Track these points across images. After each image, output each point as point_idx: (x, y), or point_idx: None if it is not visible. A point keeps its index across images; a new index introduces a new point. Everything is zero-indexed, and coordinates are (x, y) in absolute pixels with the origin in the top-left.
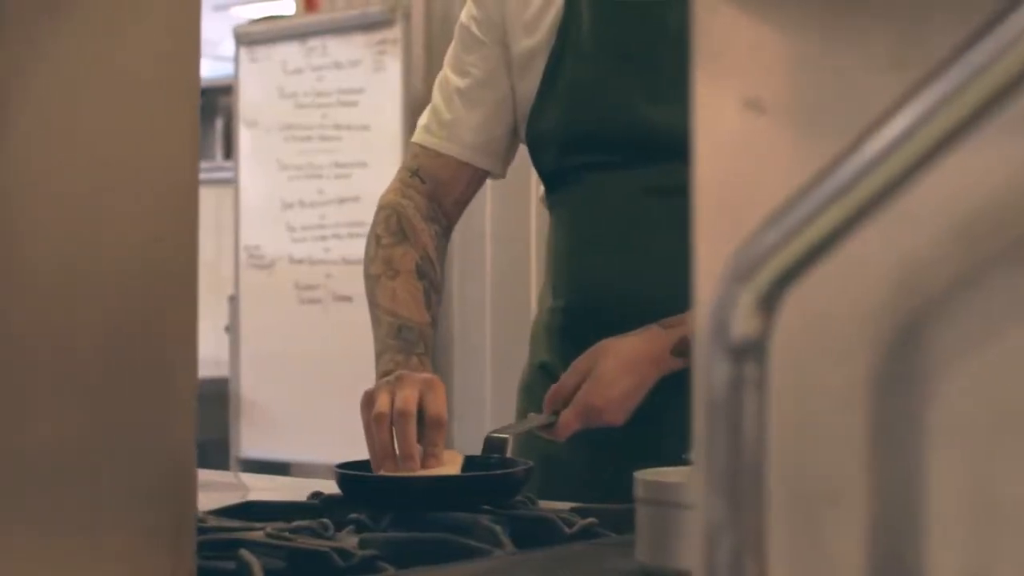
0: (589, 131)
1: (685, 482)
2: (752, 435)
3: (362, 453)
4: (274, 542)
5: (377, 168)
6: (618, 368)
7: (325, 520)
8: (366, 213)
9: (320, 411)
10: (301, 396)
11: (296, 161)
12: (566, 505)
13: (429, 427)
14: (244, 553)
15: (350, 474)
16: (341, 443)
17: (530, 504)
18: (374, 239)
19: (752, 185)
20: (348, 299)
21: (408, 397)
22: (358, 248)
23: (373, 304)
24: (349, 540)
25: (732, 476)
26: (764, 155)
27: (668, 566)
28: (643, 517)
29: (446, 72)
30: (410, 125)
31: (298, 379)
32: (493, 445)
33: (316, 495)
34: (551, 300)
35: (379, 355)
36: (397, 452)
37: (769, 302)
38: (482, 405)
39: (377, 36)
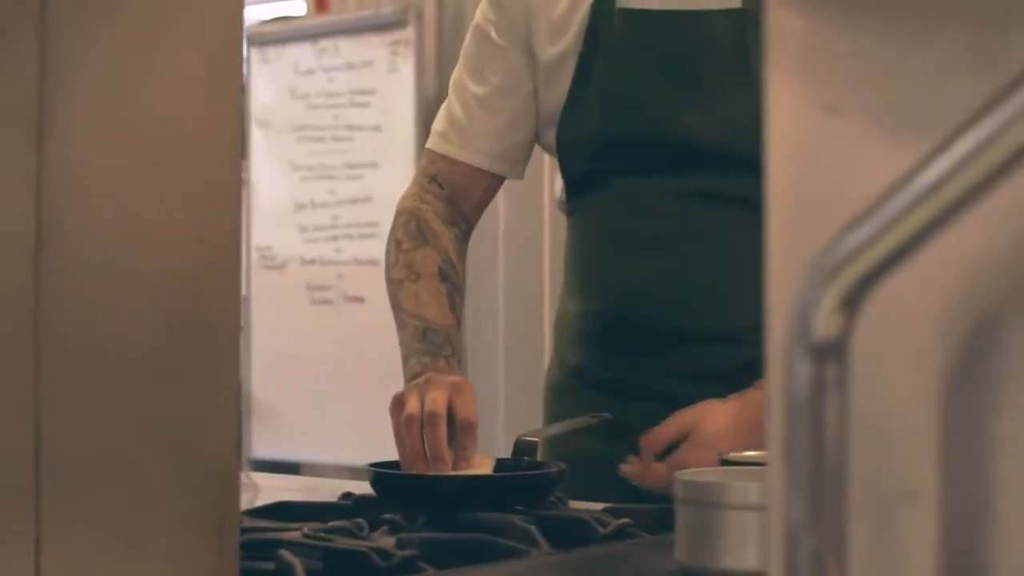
0: (625, 137)
1: (725, 482)
2: (833, 435)
3: (373, 454)
4: (312, 542)
5: (389, 169)
6: (721, 433)
7: (360, 520)
8: (378, 213)
9: (331, 412)
10: (312, 396)
11: (308, 162)
12: (598, 505)
13: (459, 430)
14: (284, 553)
15: (384, 473)
16: (352, 444)
17: (561, 504)
18: (394, 244)
19: (825, 188)
20: (360, 300)
21: (437, 399)
22: (370, 249)
23: (397, 308)
24: (385, 540)
25: (813, 476)
26: (838, 158)
27: (708, 566)
28: (683, 517)
29: (462, 75)
30: (423, 125)
31: (309, 379)
32: (523, 447)
33: (347, 495)
34: (576, 303)
35: (406, 359)
36: (428, 455)
37: (852, 302)
38: (495, 406)
39: (390, 37)
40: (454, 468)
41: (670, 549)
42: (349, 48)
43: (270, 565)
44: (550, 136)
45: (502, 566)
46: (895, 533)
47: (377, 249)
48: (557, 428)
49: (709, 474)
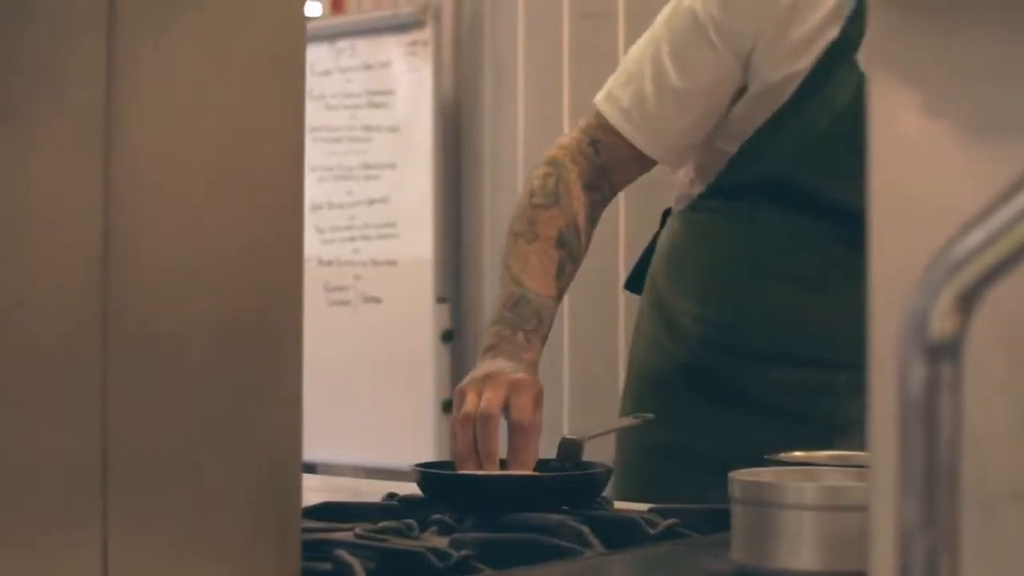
0: (807, 179)
1: (782, 482)
2: (947, 435)
3: (389, 455)
4: (367, 543)
5: (407, 169)
6: None
7: (410, 521)
8: (395, 214)
9: (348, 412)
10: (329, 397)
11: (325, 162)
12: (643, 506)
13: (511, 431)
14: (342, 554)
15: (432, 473)
16: (369, 444)
17: (606, 505)
18: (527, 194)
19: (929, 189)
20: (377, 300)
21: (493, 399)
22: (387, 249)
23: (504, 264)
24: (436, 541)
25: (927, 477)
26: (941, 159)
27: (765, 566)
28: (740, 517)
29: (664, 55)
30: (441, 125)
31: (326, 380)
32: (568, 447)
33: (391, 496)
34: (692, 303)
35: (490, 323)
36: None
37: (969, 302)
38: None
39: (407, 37)
40: (506, 468)
41: (723, 549)
42: (366, 49)
43: (326, 566)
44: (723, 137)
45: (559, 566)
46: (1000, 534)
47: (394, 250)
48: (600, 428)
49: (765, 474)
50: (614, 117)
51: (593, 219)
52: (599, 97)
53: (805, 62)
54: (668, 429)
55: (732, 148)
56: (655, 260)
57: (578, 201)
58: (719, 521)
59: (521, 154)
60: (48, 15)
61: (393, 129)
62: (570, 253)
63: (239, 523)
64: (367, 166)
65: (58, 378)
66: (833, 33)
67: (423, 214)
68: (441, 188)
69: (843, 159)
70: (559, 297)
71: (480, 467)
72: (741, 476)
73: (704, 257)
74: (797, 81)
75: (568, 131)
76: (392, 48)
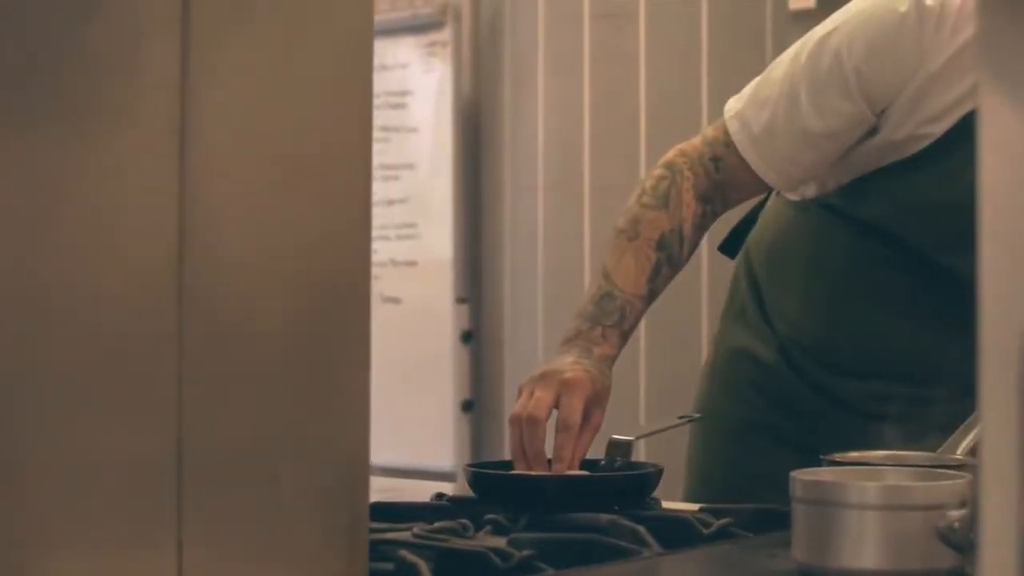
0: (915, 240)
1: (845, 482)
2: None
3: (408, 455)
4: (426, 542)
5: (426, 170)
6: None
7: (465, 521)
8: (414, 215)
9: None
10: None
11: None
12: (692, 506)
13: (556, 430)
14: (406, 554)
15: (483, 473)
16: (388, 444)
17: (655, 505)
18: (638, 191)
19: None
20: (396, 300)
21: (541, 400)
22: (406, 249)
23: (603, 257)
24: (492, 540)
25: None
26: None
27: (827, 565)
28: (801, 516)
29: (801, 91)
30: (461, 126)
31: None
32: (617, 447)
33: (439, 496)
34: (784, 306)
35: (574, 315)
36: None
37: None
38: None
39: (426, 38)
40: (550, 468)
41: (781, 548)
42: (384, 49)
43: (387, 566)
44: (838, 167)
45: (619, 566)
46: None
47: (414, 250)
48: (649, 429)
49: (826, 473)
50: (742, 142)
51: (701, 229)
52: (729, 114)
53: (937, 128)
54: (763, 405)
55: (844, 179)
56: (755, 238)
57: (688, 209)
58: (770, 521)
59: (541, 155)
60: (123, 15)
61: (412, 130)
62: (669, 257)
63: (310, 523)
64: (386, 167)
65: (135, 379)
66: (970, 105)
67: (443, 215)
68: (461, 189)
69: (953, 228)
70: (650, 297)
71: (528, 466)
72: (803, 476)
73: (808, 265)
74: (924, 143)
75: (587, 132)
76: (410, 49)
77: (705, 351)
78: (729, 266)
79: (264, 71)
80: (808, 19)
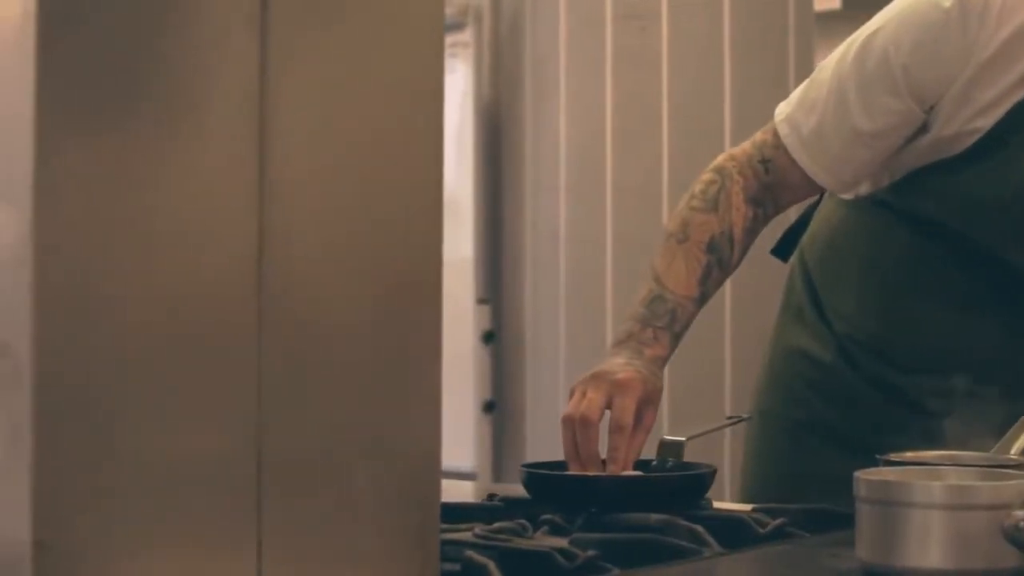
0: (968, 232)
1: (909, 481)
2: None
3: None
4: (489, 543)
5: (447, 170)
6: None
7: (523, 521)
8: None
9: None
10: None
11: None
12: (745, 506)
13: (610, 431)
14: (473, 554)
15: (538, 473)
16: None
17: (707, 505)
18: (688, 196)
19: None
20: None
21: (593, 401)
22: None
23: (653, 260)
24: (552, 540)
25: None
26: None
27: (892, 564)
28: (865, 516)
29: (849, 89)
30: (482, 127)
31: None
32: (669, 448)
33: (491, 496)
34: (841, 305)
35: (626, 318)
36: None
37: None
38: (555, 404)
39: (448, 39)
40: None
41: (838, 548)
42: None
43: (453, 566)
44: (891, 170)
45: (683, 565)
46: None
47: None
48: (700, 429)
49: (889, 473)
50: (792, 144)
51: (752, 232)
52: (779, 117)
53: (986, 122)
54: (820, 405)
55: (897, 176)
56: (810, 239)
57: (738, 212)
58: (824, 521)
59: (563, 155)
60: (203, 16)
61: None
62: (719, 259)
63: (384, 523)
64: None
65: (216, 378)
66: (1019, 95)
67: (464, 215)
68: (482, 189)
69: (1008, 223)
70: (701, 300)
71: (583, 467)
72: (867, 475)
73: (863, 262)
74: (974, 138)
75: (609, 132)
76: None
77: (728, 352)
78: (749, 268)
79: (339, 69)
80: (833, 20)
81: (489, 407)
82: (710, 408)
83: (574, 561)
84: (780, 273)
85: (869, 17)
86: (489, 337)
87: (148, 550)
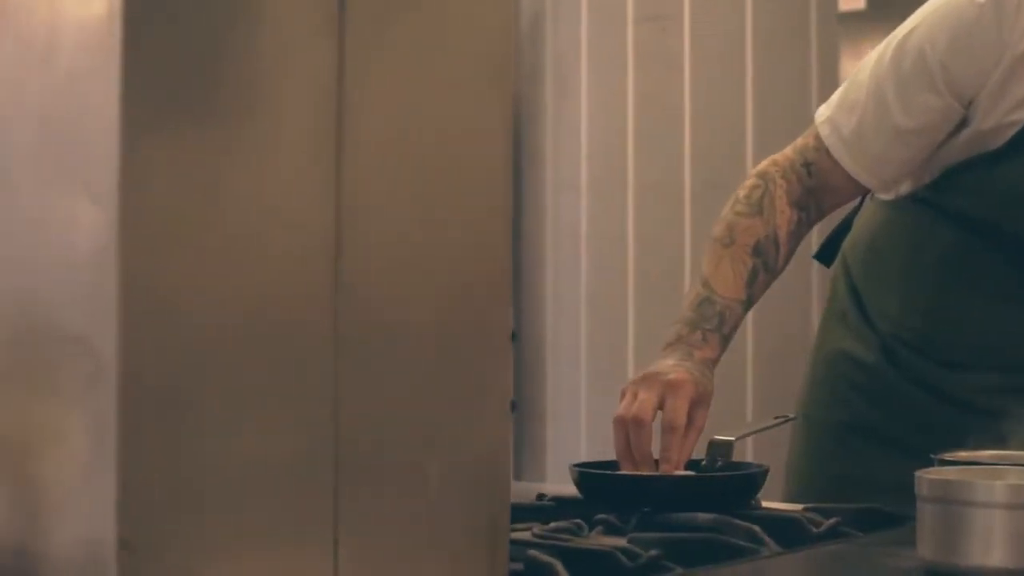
0: (1009, 226)
1: (972, 481)
2: None
3: None
4: (550, 542)
5: None
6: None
7: (579, 520)
8: None
9: None
10: None
11: None
12: (795, 505)
13: (663, 431)
14: (537, 554)
15: (591, 473)
16: None
17: (757, 504)
18: (732, 201)
19: None
20: None
21: (646, 401)
22: None
23: (701, 265)
24: (610, 540)
25: None
26: None
27: (956, 564)
28: (927, 515)
29: (887, 90)
30: None
31: None
32: (718, 448)
33: (541, 496)
34: (885, 304)
35: (675, 321)
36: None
37: None
38: (577, 404)
39: None
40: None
41: (894, 547)
42: None
43: (516, 565)
44: (931, 168)
45: (746, 564)
46: None
47: None
48: (748, 429)
49: (950, 472)
50: (834, 145)
51: (796, 236)
52: (820, 120)
53: (1016, 117)
54: (865, 407)
55: (938, 173)
56: (851, 242)
57: (782, 216)
58: (875, 521)
59: (584, 155)
60: (280, 18)
61: None
62: (765, 262)
63: (455, 521)
64: None
65: (294, 377)
66: None
67: None
68: None
69: None
70: (749, 302)
71: (635, 467)
72: (929, 474)
73: (906, 260)
74: (1013, 131)
75: (631, 131)
76: None
77: (751, 353)
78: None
79: (413, 69)
80: (857, 20)
81: (511, 407)
82: (731, 409)
83: (637, 561)
84: (800, 275)
85: (894, 17)
86: (511, 337)
87: (228, 549)
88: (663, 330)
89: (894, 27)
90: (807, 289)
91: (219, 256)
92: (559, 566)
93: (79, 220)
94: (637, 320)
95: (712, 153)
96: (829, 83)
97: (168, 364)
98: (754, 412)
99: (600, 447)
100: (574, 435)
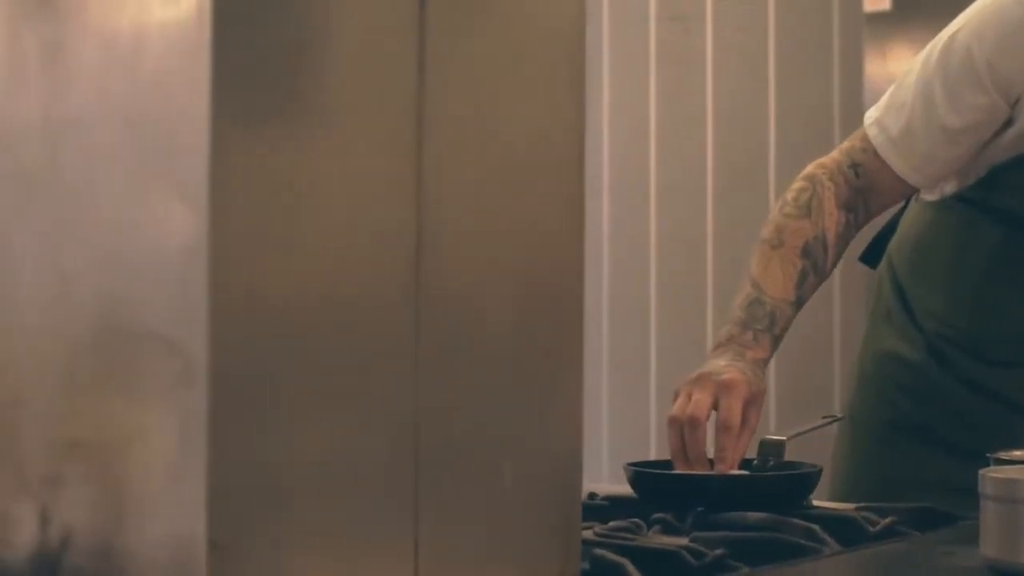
0: None
1: None
2: None
3: None
4: (614, 542)
5: None
6: None
7: (637, 520)
8: None
9: None
10: None
11: None
12: (848, 505)
13: (717, 431)
14: (605, 553)
15: (646, 472)
16: None
17: (809, 504)
18: (780, 204)
19: None
20: None
21: (700, 402)
22: None
23: (749, 266)
24: (670, 539)
25: None
26: None
27: (1020, 562)
28: (991, 514)
29: (936, 89)
30: None
31: None
32: (770, 448)
33: (593, 495)
34: (931, 304)
35: (726, 322)
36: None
37: None
38: (599, 404)
39: None
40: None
41: (953, 546)
42: None
43: (583, 564)
44: (977, 166)
45: (811, 563)
46: None
47: None
48: (799, 428)
49: (1013, 471)
50: (882, 145)
51: (844, 238)
52: (868, 121)
53: None
54: (911, 406)
55: (983, 172)
56: (897, 243)
57: (831, 218)
58: (930, 520)
59: (606, 156)
60: (363, 15)
61: None
62: (814, 264)
63: (530, 520)
64: None
65: (377, 378)
66: None
67: None
68: None
69: None
70: (798, 303)
71: (690, 467)
72: (993, 473)
73: (951, 260)
74: None
75: (653, 131)
76: None
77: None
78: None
79: (490, 70)
80: (883, 21)
81: None
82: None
83: (703, 560)
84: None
85: (919, 18)
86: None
87: (312, 549)
88: (685, 330)
89: (920, 28)
90: (829, 288)
91: (305, 254)
92: (629, 565)
93: (168, 220)
94: (659, 320)
95: (734, 154)
96: (852, 84)
97: (256, 363)
98: (776, 411)
99: (621, 446)
100: (595, 435)
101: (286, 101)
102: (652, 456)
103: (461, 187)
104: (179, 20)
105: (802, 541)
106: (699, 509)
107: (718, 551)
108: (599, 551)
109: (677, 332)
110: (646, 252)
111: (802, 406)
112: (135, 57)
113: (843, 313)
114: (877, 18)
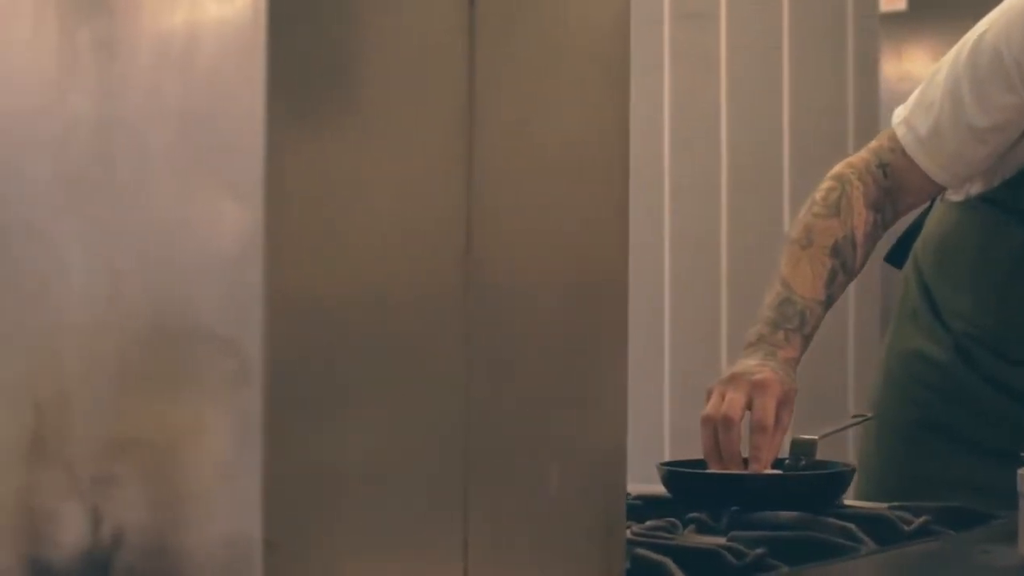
0: None
1: None
2: None
3: None
4: (652, 541)
5: None
6: None
7: (673, 519)
8: None
9: None
10: None
11: None
12: (880, 504)
13: (752, 430)
14: (646, 552)
15: (680, 472)
16: None
17: (841, 503)
18: (809, 203)
19: None
20: None
21: (734, 401)
22: None
23: (778, 266)
24: (707, 539)
25: None
26: None
27: None
28: None
29: (963, 88)
30: None
31: None
32: (801, 447)
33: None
34: (957, 304)
35: (755, 321)
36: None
37: None
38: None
39: None
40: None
41: (987, 544)
42: None
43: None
44: (1003, 167)
45: (851, 562)
46: None
47: None
48: (830, 428)
49: None
50: (910, 144)
51: (873, 237)
52: (897, 120)
53: None
54: (937, 405)
55: (1009, 173)
56: (922, 242)
57: (859, 217)
58: (963, 519)
59: None
60: (415, 13)
61: None
62: (843, 263)
63: (576, 520)
64: None
65: (428, 377)
66: None
67: None
68: None
69: None
70: (828, 303)
71: (723, 466)
72: None
73: (977, 259)
74: None
75: (667, 129)
76: None
77: None
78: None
79: (538, 69)
80: (899, 21)
81: None
82: None
83: (743, 559)
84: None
85: (935, 18)
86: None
87: (364, 549)
88: (698, 328)
89: (935, 28)
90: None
91: (358, 253)
92: (671, 564)
93: (223, 219)
94: (673, 319)
95: (749, 154)
96: (866, 83)
97: (310, 362)
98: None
99: (635, 445)
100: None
101: (339, 101)
102: (667, 455)
103: (511, 186)
104: (234, 19)
105: (839, 540)
106: (734, 508)
107: (759, 550)
108: (640, 551)
109: (692, 330)
110: (660, 250)
111: (816, 404)
112: (189, 56)
113: (858, 312)
114: (892, 18)
